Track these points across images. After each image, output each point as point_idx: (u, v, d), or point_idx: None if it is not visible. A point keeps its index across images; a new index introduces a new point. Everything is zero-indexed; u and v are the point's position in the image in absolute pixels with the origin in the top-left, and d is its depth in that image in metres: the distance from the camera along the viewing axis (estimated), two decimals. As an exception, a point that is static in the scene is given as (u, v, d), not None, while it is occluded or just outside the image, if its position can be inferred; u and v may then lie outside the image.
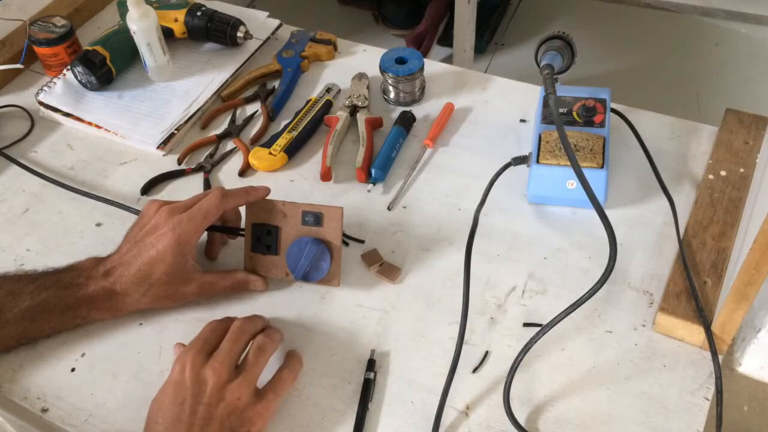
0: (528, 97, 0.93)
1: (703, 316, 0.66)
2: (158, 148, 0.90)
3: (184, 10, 1.00)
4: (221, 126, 0.94)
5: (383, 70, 0.92)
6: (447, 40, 2.00)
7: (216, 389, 0.60)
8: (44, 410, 0.67)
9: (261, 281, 0.74)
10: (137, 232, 0.70)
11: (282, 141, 0.88)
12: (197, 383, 0.60)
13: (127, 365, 0.70)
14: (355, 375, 0.68)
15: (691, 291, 0.69)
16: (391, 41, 2.07)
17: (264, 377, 0.64)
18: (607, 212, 0.63)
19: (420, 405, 0.65)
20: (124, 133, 0.92)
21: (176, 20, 1.00)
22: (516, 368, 0.65)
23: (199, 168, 0.88)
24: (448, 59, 1.97)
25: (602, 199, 0.77)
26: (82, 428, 0.66)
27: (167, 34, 0.99)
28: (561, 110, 0.82)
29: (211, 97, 0.97)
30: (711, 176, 0.79)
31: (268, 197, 0.74)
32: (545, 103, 0.83)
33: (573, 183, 0.77)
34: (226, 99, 0.97)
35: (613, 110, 0.86)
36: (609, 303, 0.71)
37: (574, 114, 0.82)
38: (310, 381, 0.68)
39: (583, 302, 0.62)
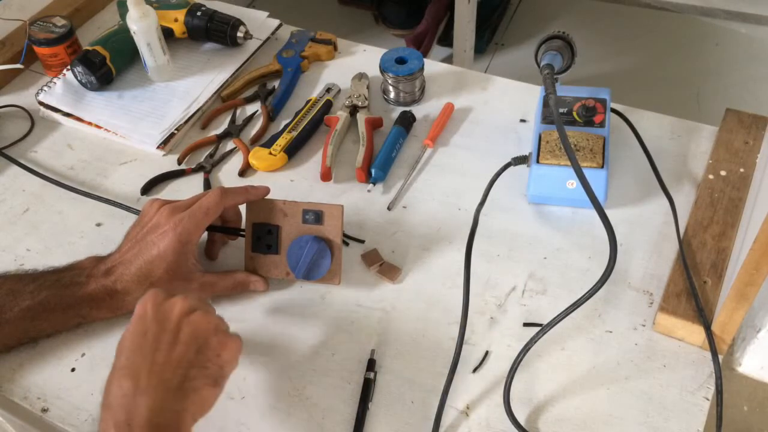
0: (528, 97, 0.93)
1: (703, 316, 0.66)
2: (158, 148, 0.90)
3: (184, 10, 1.00)
4: (221, 126, 0.94)
5: (383, 70, 0.92)
6: (447, 40, 2.00)
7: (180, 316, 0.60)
8: (44, 410, 0.67)
9: (261, 282, 0.74)
10: (138, 231, 0.71)
11: (282, 141, 0.88)
12: (162, 312, 0.59)
13: (127, 365, 0.70)
14: (355, 375, 0.68)
15: (691, 291, 0.69)
16: (391, 41, 2.07)
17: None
18: (607, 212, 0.63)
19: (420, 405, 0.66)
20: (124, 133, 0.92)
21: (176, 20, 1.00)
22: (516, 368, 0.65)
23: (199, 168, 0.88)
24: (448, 59, 1.97)
25: (602, 199, 0.77)
26: (82, 428, 0.66)
27: (167, 34, 0.99)
28: (561, 110, 0.82)
29: (211, 97, 0.97)
30: (711, 176, 0.79)
31: (268, 197, 0.74)
32: (545, 103, 0.83)
33: (573, 183, 0.77)
34: (226, 99, 0.97)
35: (613, 110, 0.86)
36: (609, 303, 0.71)
37: (574, 114, 0.82)
38: (310, 381, 0.68)
39: (583, 302, 0.62)
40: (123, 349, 0.58)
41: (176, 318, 0.59)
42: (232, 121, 0.94)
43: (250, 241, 0.74)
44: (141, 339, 0.58)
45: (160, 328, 0.58)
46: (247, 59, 1.02)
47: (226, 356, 0.60)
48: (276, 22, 1.07)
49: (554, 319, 0.64)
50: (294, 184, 0.86)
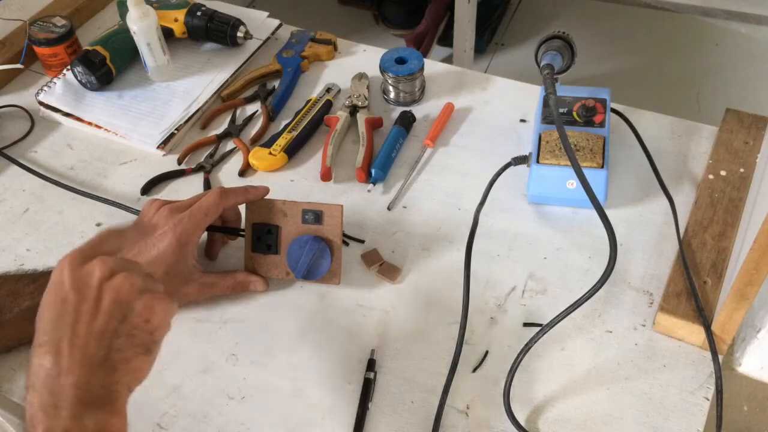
0: (528, 97, 0.93)
1: (703, 316, 0.66)
2: (158, 148, 0.90)
3: (184, 10, 1.00)
4: (221, 126, 0.94)
5: (383, 70, 0.92)
6: (447, 40, 2.00)
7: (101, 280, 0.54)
8: (44, 410, 0.67)
9: (261, 282, 0.74)
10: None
11: (282, 141, 0.88)
12: (80, 279, 0.54)
13: (127, 365, 0.70)
14: (355, 375, 0.68)
15: (691, 291, 0.69)
16: (391, 41, 2.07)
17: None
18: (607, 212, 0.63)
19: (420, 405, 0.66)
20: (124, 133, 0.92)
21: (176, 20, 1.00)
22: (516, 368, 0.65)
23: (199, 168, 0.88)
24: (448, 59, 1.96)
25: (602, 199, 0.77)
26: (82, 428, 0.66)
27: (167, 34, 0.99)
28: (561, 110, 0.82)
29: (211, 97, 0.97)
30: (711, 176, 0.79)
31: (267, 197, 0.74)
32: (545, 103, 0.83)
33: (573, 183, 0.77)
34: (226, 99, 0.97)
35: (613, 110, 0.86)
36: (609, 303, 0.71)
37: (574, 114, 0.82)
38: (310, 381, 0.68)
39: (583, 302, 0.62)
40: (41, 321, 0.53)
41: (96, 284, 0.53)
42: (232, 121, 0.94)
43: (250, 241, 0.74)
44: (60, 309, 0.53)
45: (80, 297, 0.53)
46: (247, 59, 1.02)
47: (155, 321, 0.55)
48: (276, 22, 1.07)
49: (554, 319, 0.64)
50: (294, 184, 0.86)
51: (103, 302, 0.53)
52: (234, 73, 1.00)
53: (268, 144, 0.88)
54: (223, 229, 0.77)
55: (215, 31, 1.00)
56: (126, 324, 0.53)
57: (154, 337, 0.55)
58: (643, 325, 0.70)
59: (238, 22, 1.00)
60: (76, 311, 0.52)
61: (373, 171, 0.84)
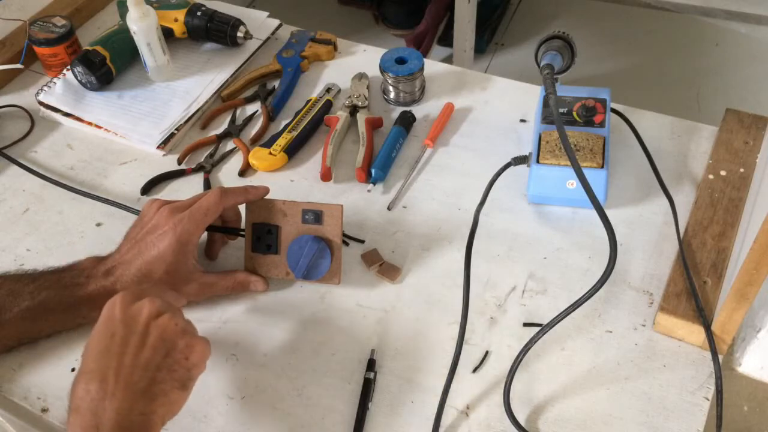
0: (528, 97, 0.93)
1: (703, 316, 0.66)
2: (158, 148, 0.90)
3: (184, 10, 1.00)
4: (221, 126, 0.94)
5: (383, 70, 0.92)
6: (447, 40, 2.00)
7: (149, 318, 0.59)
8: (44, 410, 0.67)
9: (261, 282, 0.74)
10: (138, 232, 0.71)
11: (282, 141, 0.88)
12: (129, 315, 0.59)
13: (127, 365, 0.70)
14: (355, 375, 0.68)
15: (691, 291, 0.69)
16: (391, 41, 2.07)
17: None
18: (607, 212, 0.63)
19: (420, 405, 0.66)
20: (124, 133, 0.92)
21: (176, 20, 1.00)
22: (516, 368, 0.65)
23: (199, 168, 0.88)
24: (448, 59, 1.97)
25: (602, 199, 0.77)
26: (82, 428, 0.66)
27: (167, 34, 0.99)
28: (561, 110, 0.82)
29: (211, 97, 0.97)
30: (711, 176, 0.79)
31: (267, 197, 0.74)
32: (545, 103, 0.83)
33: (573, 183, 0.77)
34: (226, 99, 0.97)
35: (613, 110, 0.86)
36: (609, 303, 0.71)
37: (574, 114, 0.82)
38: (310, 381, 0.68)
39: (583, 302, 0.62)
40: (90, 351, 0.58)
41: (144, 321, 0.59)
42: (232, 121, 0.94)
43: (250, 241, 0.74)
44: (108, 341, 0.58)
45: (128, 331, 0.58)
46: (247, 59, 1.02)
47: (193, 359, 0.60)
48: (276, 22, 1.07)
49: (554, 319, 0.64)
50: (294, 184, 0.86)
51: (150, 337, 0.58)
52: (234, 73, 1.00)
53: (268, 144, 0.88)
54: (223, 229, 0.77)
55: (215, 31, 1.00)
56: (168, 359, 0.58)
57: (191, 374, 0.60)
58: (643, 325, 0.70)
59: (238, 22, 1.00)
60: (124, 343, 0.57)
61: (373, 171, 0.84)
